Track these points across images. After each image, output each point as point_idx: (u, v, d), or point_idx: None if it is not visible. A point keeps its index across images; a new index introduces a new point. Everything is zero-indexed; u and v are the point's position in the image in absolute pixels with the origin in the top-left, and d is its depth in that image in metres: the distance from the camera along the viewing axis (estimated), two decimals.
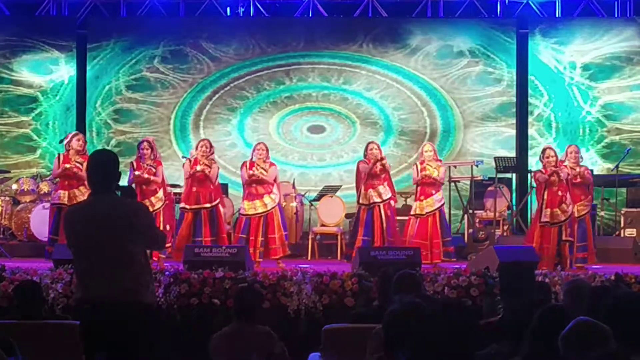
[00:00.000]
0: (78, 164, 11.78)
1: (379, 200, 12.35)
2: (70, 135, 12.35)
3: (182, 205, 12.18)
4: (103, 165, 5.76)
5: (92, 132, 16.47)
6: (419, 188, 12.52)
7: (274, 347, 6.99)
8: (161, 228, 11.49)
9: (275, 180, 12.30)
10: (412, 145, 16.43)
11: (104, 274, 5.60)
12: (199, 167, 12.01)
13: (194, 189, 12.09)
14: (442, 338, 3.34)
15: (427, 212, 12.39)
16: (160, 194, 12.09)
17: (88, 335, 5.67)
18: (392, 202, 12.57)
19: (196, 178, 12.05)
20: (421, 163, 12.54)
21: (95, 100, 16.59)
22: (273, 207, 12.20)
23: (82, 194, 11.54)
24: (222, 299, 9.55)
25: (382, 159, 12.39)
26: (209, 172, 12.05)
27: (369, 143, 12.78)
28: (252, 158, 12.29)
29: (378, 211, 12.37)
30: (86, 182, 10.37)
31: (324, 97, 16.67)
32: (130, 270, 5.65)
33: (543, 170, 12.27)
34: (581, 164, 12.58)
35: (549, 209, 12.13)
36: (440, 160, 12.85)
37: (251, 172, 12.10)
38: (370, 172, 12.34)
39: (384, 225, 12.37)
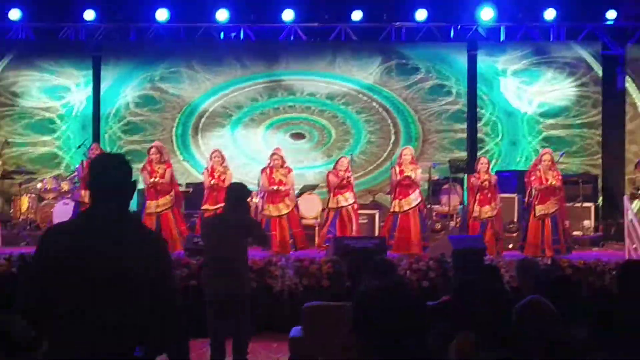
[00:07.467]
0: None
1: (345, 204, 12.40)
2: (93, 146, 12.83)
3: (204, 207, 12.17)
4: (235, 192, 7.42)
5: (105, 142, 16.30)
6: (397, 189, 12.23)
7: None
8: (173, 227, 12.09)
9: (292, 186, 12.40)
10: (378, 151, 16.45)
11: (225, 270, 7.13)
12: (213, 182, 12.16)
13: (214, 193, 12.18)
14: (400, 317, 3.30)
15: (404, 210, 12.11)
16: (172, 194, 12.21)
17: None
18: (355, 205, 12.58)
19: (213, 187, 12.17)
20: (399, 165, 12.29)
21: (108, 115, 16.47)
22: (290, 209, 12.23)
23: None
24: None
25: (348, 175, 12.40)
26: (224, 179, 12.12)
27: (341, 158, 12.79)
28: (270, 164, 12.29)
29: (346, 212, 12.40)
30: None
31: (304, 109, 16.62)
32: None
33: (477, 176, 12.31)
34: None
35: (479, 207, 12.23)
36: (416, 163, 12.62)
37: (275, 187, 12.06)
38: (340, 184, 12.37)
39: (353, 222, 12.39)
